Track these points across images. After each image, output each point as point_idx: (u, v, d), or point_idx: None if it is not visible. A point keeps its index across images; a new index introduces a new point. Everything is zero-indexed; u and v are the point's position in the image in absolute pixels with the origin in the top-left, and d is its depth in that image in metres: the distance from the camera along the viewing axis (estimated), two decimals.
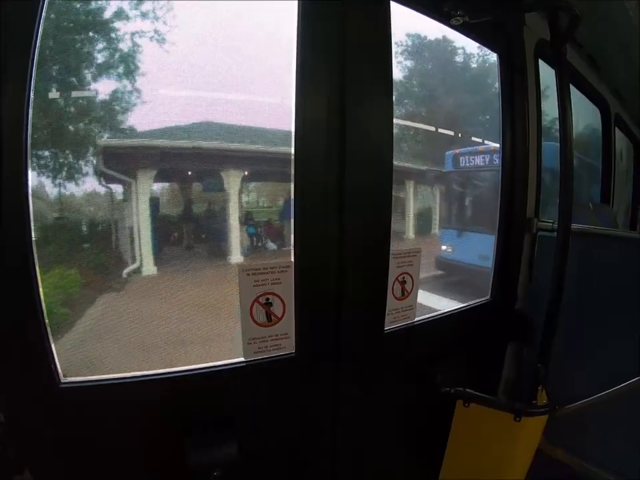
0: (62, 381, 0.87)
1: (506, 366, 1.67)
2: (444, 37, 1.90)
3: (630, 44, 1.91)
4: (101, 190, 1.28)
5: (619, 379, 1.30)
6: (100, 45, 1.10)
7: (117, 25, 1.08)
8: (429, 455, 1.41)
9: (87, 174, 1.21)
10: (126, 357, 1.14)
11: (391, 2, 1.07)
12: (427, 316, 1.36)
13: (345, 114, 1.00)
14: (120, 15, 1.08)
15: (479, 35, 1.43)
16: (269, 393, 1.07)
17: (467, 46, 1.95)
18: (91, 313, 1.21)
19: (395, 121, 1.11)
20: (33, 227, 0.79)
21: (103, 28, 1.08)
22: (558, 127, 1.28)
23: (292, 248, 1.04)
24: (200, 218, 1.54)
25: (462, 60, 2.12)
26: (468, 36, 1.40)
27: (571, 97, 1.28)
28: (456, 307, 1.49)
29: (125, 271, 1.31)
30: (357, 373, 1.16)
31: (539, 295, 1.40)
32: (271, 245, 1.59)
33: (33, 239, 0.79)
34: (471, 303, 1.56)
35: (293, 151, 1.00)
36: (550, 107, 1.59)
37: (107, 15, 1.07)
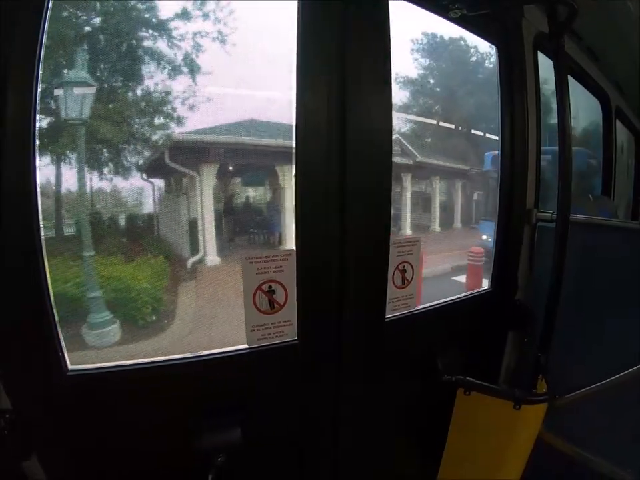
0: (69, 368, 0.89)
1: (506, 355, 1.68)
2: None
3: (630, 36, 1.91)
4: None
5: (618, 368, 1.31)
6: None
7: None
8: (430, 441, 1.42)
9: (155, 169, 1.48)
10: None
11: None
12: (428, 305, 1.38)
13: (344, 112, 1.01)
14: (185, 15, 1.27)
15: (478, 27, 1.43)
16: (272, 380, 1.09)
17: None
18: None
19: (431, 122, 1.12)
20: (41, 219, 0.81)
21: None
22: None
23: (294, 240, 1.06)
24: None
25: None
26: (466, 29, 1.40)
27: (572, 90, 1.29)
28: (457, 297, 1.50)
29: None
30: (358, 362, 1.18)
31: (539, 285, 1.41)
32: None
33: (41, 226, 0.81)
34: (471, 292, 1.57)
35: (293, 151, 1.01)
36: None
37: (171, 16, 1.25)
